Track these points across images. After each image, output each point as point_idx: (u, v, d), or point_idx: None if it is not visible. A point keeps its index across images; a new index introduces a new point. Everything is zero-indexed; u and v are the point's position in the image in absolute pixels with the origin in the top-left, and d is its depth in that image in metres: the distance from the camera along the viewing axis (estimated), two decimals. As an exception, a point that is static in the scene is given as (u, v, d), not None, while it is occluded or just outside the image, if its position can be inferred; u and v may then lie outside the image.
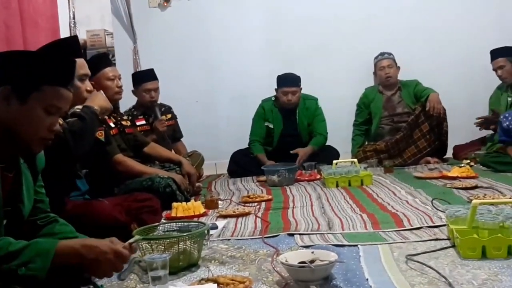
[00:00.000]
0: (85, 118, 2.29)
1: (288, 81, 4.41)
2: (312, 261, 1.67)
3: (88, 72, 2.42)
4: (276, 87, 4.49)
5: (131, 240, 1.64)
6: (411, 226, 2.29)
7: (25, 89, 1.43)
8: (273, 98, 4.55)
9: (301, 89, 4.46)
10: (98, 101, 2.45)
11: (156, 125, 4.08)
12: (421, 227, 2.26)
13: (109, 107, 2.58)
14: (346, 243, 2.10)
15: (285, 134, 4.50)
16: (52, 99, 1.46)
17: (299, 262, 1.68)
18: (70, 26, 3.81)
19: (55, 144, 2.11)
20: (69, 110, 2.41)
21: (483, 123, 4.26)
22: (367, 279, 1.66)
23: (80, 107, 2.40)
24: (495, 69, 4.25)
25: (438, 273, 1.65)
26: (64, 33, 3.58)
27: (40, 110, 1.45)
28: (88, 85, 2.40)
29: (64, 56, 1.58)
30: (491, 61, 4.26)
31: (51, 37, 3.25)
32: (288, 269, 1.68)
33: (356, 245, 2.05)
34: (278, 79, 4.46)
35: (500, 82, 4.30)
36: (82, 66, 2.38)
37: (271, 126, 4.53)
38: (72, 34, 3.71)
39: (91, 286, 1.65)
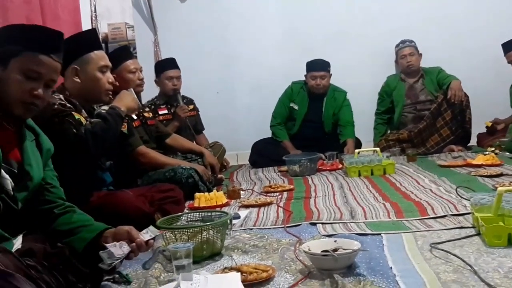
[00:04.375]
0: (108, 120, 2.31)
1: (317, 65, 4.45)
2: (335, 250, 1.67)
3: (109, 63, 2.44)
4: (305, 73, 4.52)
5: (147, 237, 1.67)
6: (435, 214, 2.27)
7: (5, 54, 1.53)
8: (304, 82, 4.58)
9: (330, 75, 4.48)
10: (126, 101, 2.47)
11: (177, 112, 4.09)
12: (445, 216, 2.23)
13: (137, 106, 2.60)
14: (369, 232, 2.09)
15: (308, 120, 4.52)
16: (31, 65, 1.54)
17: (322, 251, 1.67)
18: (92, 19, 3.84)
19: (75, 142, 2.16)
20: (93, 105, 2.44)
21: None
22: (391, 268, 1.65)
23: (106, 107, 2.42)
24: (510, 62, 4.20)
25: (463, 261, 1.63)
26: (86, 26, 3.60)
27: (19, 74, 1.53)
28: (109, 76, 2.42)
29: (48, 28, 1.68)
30: (504, 54, 4.22)
31: (73, 30, 3.27)
32: (311, 257, 1.68)
33: (379, 234, 2.03)
34: (308, 65, 4.50)
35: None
36: (102, 57, 2.40)
37: (296, 107, 4.56)
38: (94, 27, 3.74)
39: (117, 275, 1.68)
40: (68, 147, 2.16)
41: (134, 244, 1.63)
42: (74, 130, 2.17)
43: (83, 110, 2.34)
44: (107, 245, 1.60)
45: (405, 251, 1.82)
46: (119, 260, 1.58)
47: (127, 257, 1.63)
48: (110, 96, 2.45)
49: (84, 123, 2.24)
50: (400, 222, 2.22)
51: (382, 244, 1.92)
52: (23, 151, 1.60)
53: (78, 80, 2.34)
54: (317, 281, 1.59)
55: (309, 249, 1.69)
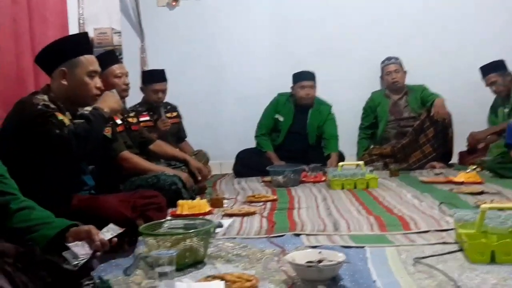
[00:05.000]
0: (92, 120, 2.28)
1: (305, 75, 4.50)
2: (319, 261, 1.66)
3: (98, 68, 2.41)
4: (292, 85, 4.56)
5: (109, 236, 1.67)
6: (418, 229, 2.28)
7: None
8: (290, 94, 4.61)
9: (315, 86, 4.53)
10: (109, 102, 2.43)
11: (158, 124, 4.08)
12: (428, 231, 2.25)
13: (120, 108, 2.57)
14: (352, 244, 2.09)
15: (293, 131, 4.54)
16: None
17: (307, 262, 1.67)
18: (79, 22, 3.80)
19: (58, 143, 2.13)
20: (77, 109, 2.41)
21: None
22: (375, 281, 1.65)
23: (89, 108, 2.38)
24: (488, 85, 4.32)
25: (447, 276, 1.64)
26: (73, 29, 3.57)
27: None
28: (97, 82, 2.38)
29: None
30: (482, 78, 4.35)
31: (60, 33, 3.24)
32: (296, 268, 1.67)
33: (363, 247, 2.03)
34: (295, 76, 4.53)
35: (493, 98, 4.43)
36: (92, 62, 2.37)
37: (281, 119, 4.58)
38: (81, 31, 3.70)
39: (98, 280, 1.65)
40: (51, 148, 2.12)
41: (98, 243, 1.61)
42: (57, 131, 2.13)
43: (67, 113, 2.31)
44: (69, 244, 1.57)
45: (388, 265, 1.82)
46: (84, 260, 1.54)
47: (93, 255, 1.60)
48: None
49: (67, 124, 2.20)
50: (383, 235, 2.22)
51: (365, 257, 1.92)
52: None
53: (65, 82, 2.31)
54: (301, 292, 1.58)
55: (293, 260, 1.68)
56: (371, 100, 4.73)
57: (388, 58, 4.68)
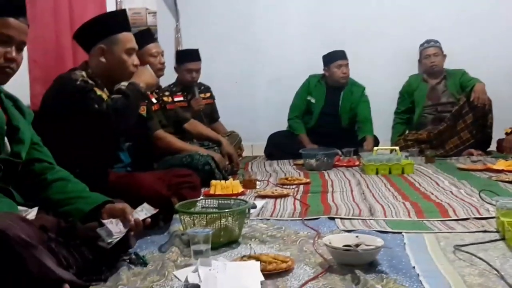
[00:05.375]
0: (129, 96, 2.28)
1: (340, 54, 4.43)
2: (357, 245, 1.63)
3: (136, 46, 2.41)
4: (325, 67, 4.49)
5: (143, 216, 1.67)
6: (457, 216, 2.22)
7: None
8: (321, 76, 4.56)
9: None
10: (144, 76, 2.44)
11: (192, 103, 4.07)
12: (467, 218, 2.19)
13: (155, 82, 2.57)
14: (389, 230, 2.04)
15: (326, 113, 4.49)
16: (1, 29, 1.55)
17: (344, 246, 1.64)
18: (116, 1, 3.81)
19: (97, 117, 2.14)
20: (114, 86, 2.41)
21: None
22: (414, 267, 1.61)
23: (125, 83, 2.39)
24: None
25: (490, 265, 1.59)
26: (111, 6, 3.58)
27: None
28: (135, 59, 2.38)
29: None
30: None
31: (98, 10, 3.25)
32: (333, 251, 1.64)
33: (400, 233, 1.99)
34: (328, 56, 4.46)
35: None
36: (130, 40, 2.38)
37: (313, 100, 4.53)
38: (118, 8, 3.71)
39: (134, 256, 1.66)
40: (90, 122, 2.13)
41: (132, 222, 1.61)
42: (96, 105, 2.15)
43: (105, 89, 2.32)
44: (104, 221, 1.57)
45: (427, 252, 1.78)
46: (118, 239, 1.54)
47: (127, 234, 1.60)
48: None
49: (105, 99, 2.21)
50: (421, 222, 2.17)
51: (403, 243, 1.88)
52: (7, 111, 1.62)
53: (103, 60, 2.32)
54: (338, 275, 1.55)
55: (330, 243, 1.66)
56: (408, 84, 4.62)
57: (428, 41, 4.55)
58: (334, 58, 4.43)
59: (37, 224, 1.32)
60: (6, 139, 1.57)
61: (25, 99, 2.40)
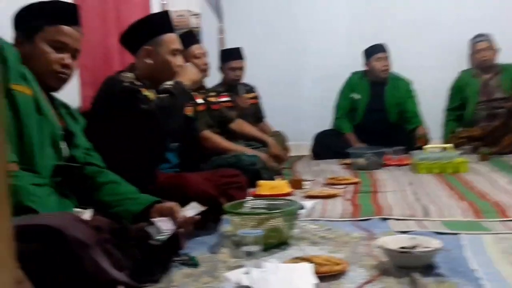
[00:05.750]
0: (175, 94, 2.28)
1: (379, 48, 4.37)
2: (413, 247, 1.57)
3: (180, 47, 2.42)
4: (365, 61, 4.42)
5: (192, 214, 1.69)
6: (518, 217, 2.11)
7: (29, 31, 1.64)
8: (363, 72, 4.50)
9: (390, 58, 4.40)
10: (189, 74, 2.44)
11: (238, 101, 4.06)
12: (529, 219, 2.08)
13: (199, 78, 2.57)
14: (446, 230, 1.96)
15: (371, 109, 4.41)
16: (56, 36, 1.63)
17: (400, 247, 1.58)
18: (161, 3, 3.85)
19: (145, 117, 2.16)
20: (159, 86, 2.43)
21: None
22: (474, 270, 1.53)
23: (171, 82, 2.40)
24: None
25: (557, 269, 1.49)
26: (155, 8, 3.62)
27: (47, 47, 1.62)
28: (180, 60, 2.39)
29: (63, 1, 1.76)
30: None
31: (143, 12, 3.29)
32: (388, 254, 1.58)
33: (458, 234, 1.91)
34: (368, 51, 4.40)
35: None
36: (174, 41, 2.38)
37: (357, 97, 4.46)
38: (163, 10, 3.75)
39: (186, 257, 1.65)
40: (138, 123, 2.15)
41: (181, 219, 1.63)
42: (144, 106, 2.16)
43: (151, 90, 2.33)
44: (153, 220, 1.58)
45: (487, 254, 1.69)
46: (167, 236, 1.54)
47: (177, 232, 1.60)
48: None
49: (152, 99, 2.22)
50: (478, 222, 2.08)
51: (461, 244, 1.79)
52: (63, 117, 1.68)
53: (150, 61, 2.33)
54: (394, 278, 1.49)
55: (385, 245, 1.60)
56: (459, 80, 4.47)
57: (479, 35, 4.38)
58: (373, 51, 4.36)
59: (92, 225, 1.33)
60: (65, 144, 1.60)
61: (75, 102, 2.44)
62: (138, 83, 2.26)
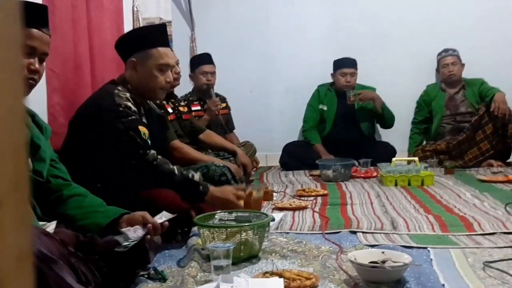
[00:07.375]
0: (182, 184, 2.21)
1: (346, 62, 4.42)
2: (383, 262, 1.57)
3: (171, 62, 2.36)
4: (332, 72, 4.48)
5: (161, 220, 1.69)
6: (483, 231, 2.15)
7: None
8: (330, 83, 4.55)
9: (357, 73, 4.43)
10: (218, 202, 2.29)
11: (209, 105, 3.99)
12: (494, 233, 2.11)
13: (222, 208, 2.30)
14: (414, 244, 1.98)
15: (340, 120, 4.45)
16: (25, 40, 1.52)
17: (370, 262, 1.58)
18: (133, 9, 3.79)
19: (136, 162, 2.09)
20: (147, 103, 2.38)
21: None
22: (443, 285, 1.55)
23: (199, 176, 2.33)
24: None
25: (523, 283, 1.52)
26: (127, 15, 3.56)
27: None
28: (168, 76, 2.32)
29: (32, 2, 1.71)
30: None
31: (115, 19, 3.23)
32: (358, 268, 1.58)
33: (426, 248, 1.93)
34: (335, 63, 4.46)
35: None
36: (164, 55, 2.30)
37: (325, 108, 4.51)
38: (136, 18, 3.69)
39: (153, 271, 1.62)
40: (126, 160, 2.12)
41: (150, 225, 1.61)
42: (141, 151, 2.12)
43: (141, 108, 2.30)
44: (122, 229, 1.58)
45: (455, 268, 1.72)
46: (134, 242, 1.54)
47: (144, 240, 1.60)
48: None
49: (147, 136, 2.17)
50: (446, 236, 2.11)
51: (429, 258, 1.81)
52: (27, 128, 1.59)
53: (134, 73, 2.29)
54: (365, 293, 1.49)
55: (355, 259, 1.60)
56: (425, 94, 4.56)
57: (445, 50, 4.48)
58: (339, 65, 4.43)
59: (57, 238, 1.28)
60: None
61: (42, 109, 2.37)
62: (134, 108, 2.19)
